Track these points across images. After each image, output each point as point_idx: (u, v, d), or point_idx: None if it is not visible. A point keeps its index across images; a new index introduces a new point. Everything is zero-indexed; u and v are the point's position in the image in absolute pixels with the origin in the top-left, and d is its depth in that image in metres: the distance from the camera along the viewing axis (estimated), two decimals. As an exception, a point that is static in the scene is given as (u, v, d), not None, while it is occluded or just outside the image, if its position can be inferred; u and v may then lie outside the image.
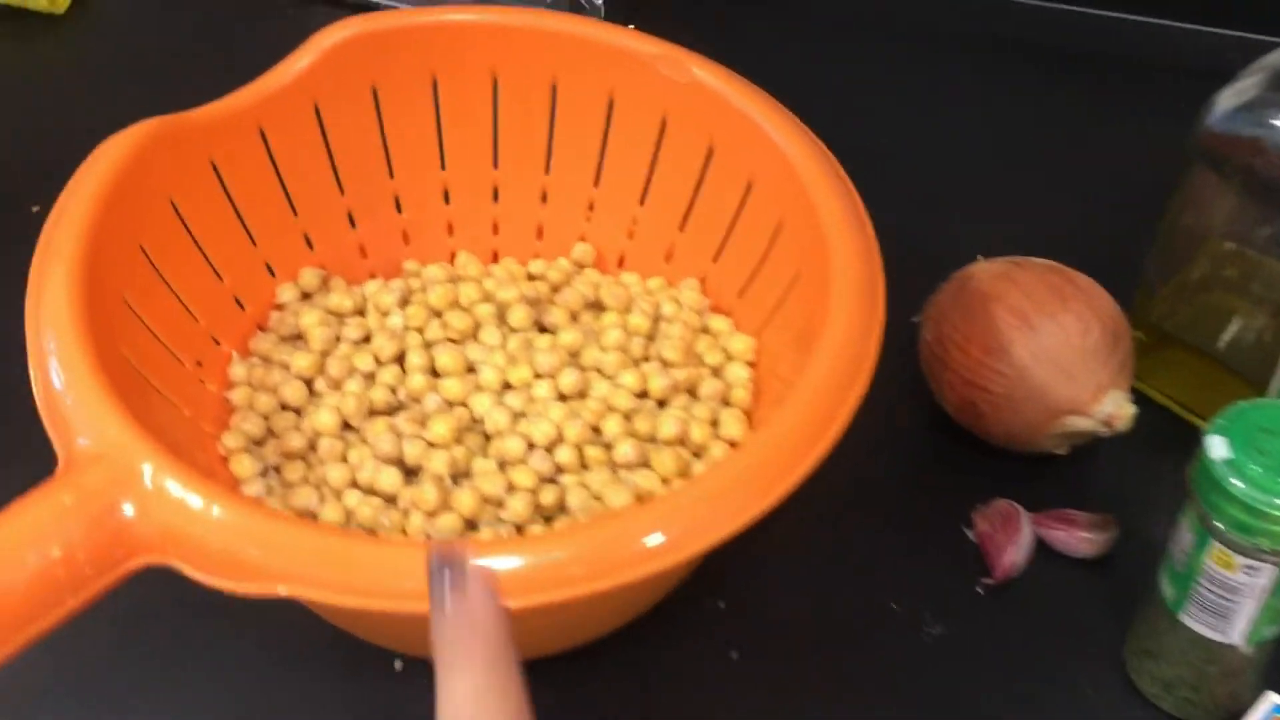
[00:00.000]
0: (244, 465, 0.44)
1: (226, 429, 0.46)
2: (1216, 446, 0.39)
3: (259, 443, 0.46)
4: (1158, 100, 0.69)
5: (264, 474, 0.45)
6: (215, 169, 0.48)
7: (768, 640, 0.47)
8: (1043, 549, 0.50)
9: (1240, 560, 0.39)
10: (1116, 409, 0.49)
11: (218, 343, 0.48)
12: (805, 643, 0.47)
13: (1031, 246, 0.55)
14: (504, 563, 0.31)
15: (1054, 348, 0.49)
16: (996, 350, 0.50)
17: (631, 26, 0.76)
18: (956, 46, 0.75)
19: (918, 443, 0.54)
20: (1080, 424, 0.49)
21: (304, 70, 0.49)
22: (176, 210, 0.46)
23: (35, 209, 0.52)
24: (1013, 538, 0.49)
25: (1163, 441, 0.52)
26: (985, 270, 0.53)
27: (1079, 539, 0.50)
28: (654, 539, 0.34)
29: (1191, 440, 0.51)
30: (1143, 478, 0.53)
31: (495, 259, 0.55)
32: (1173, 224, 0.51)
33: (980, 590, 0.49)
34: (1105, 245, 0.61)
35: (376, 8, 0.74)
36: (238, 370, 0.47)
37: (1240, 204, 0.48)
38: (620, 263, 0.54)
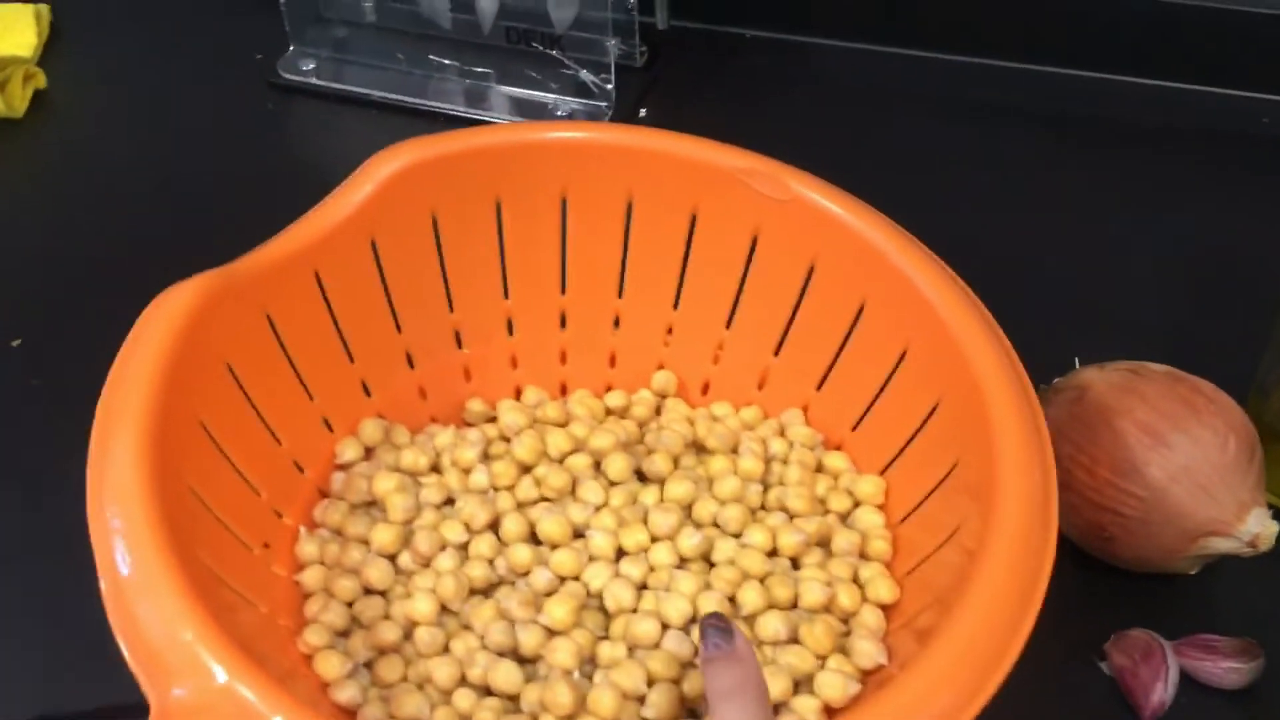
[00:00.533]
0: (331, 665, 0.38)
1: (303, 621, 0.40)
2: None
3: (343, 634, 0.40)
4: (1256, 179, 0.67)
5: (353, 673, 0.39)
6: (270, 322, 0.42)
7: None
8: (1185, 681, 0.46)
9: None
10: (1261, 528, 0.45)
11: (280, 516, 0.42)
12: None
13: (1131, 347, 0.52)
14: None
15: (1191, 465, 0.46)
16: (1128, 471, 0.46)
17: (643, 112, 0.73)
18: (1020, 119, 0.72)
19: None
20: (1222, 545, 0.46)
21: (361, 203, 0.44)
22: (233, 373, 0.40)
23: (15, 343, 0.45)
24: (1158, 673, 0.45)
25: (1287, 550, 0.49)
26: (1102, 380, 0.49)
27: (1225, 669, 0.46)
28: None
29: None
30: (1273, 591, 0.50)
31: (564, 391, 0.50)
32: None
33: (1128, 734, 0.45)
34: (1198, 342, 0.58)
35: (359, 100, 0.70)
36: (308, 548, 0.42)
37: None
38: (704, 390, 0.50)
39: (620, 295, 0.49)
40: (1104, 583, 0.49)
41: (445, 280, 0.47)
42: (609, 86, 0.71)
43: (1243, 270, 0.63)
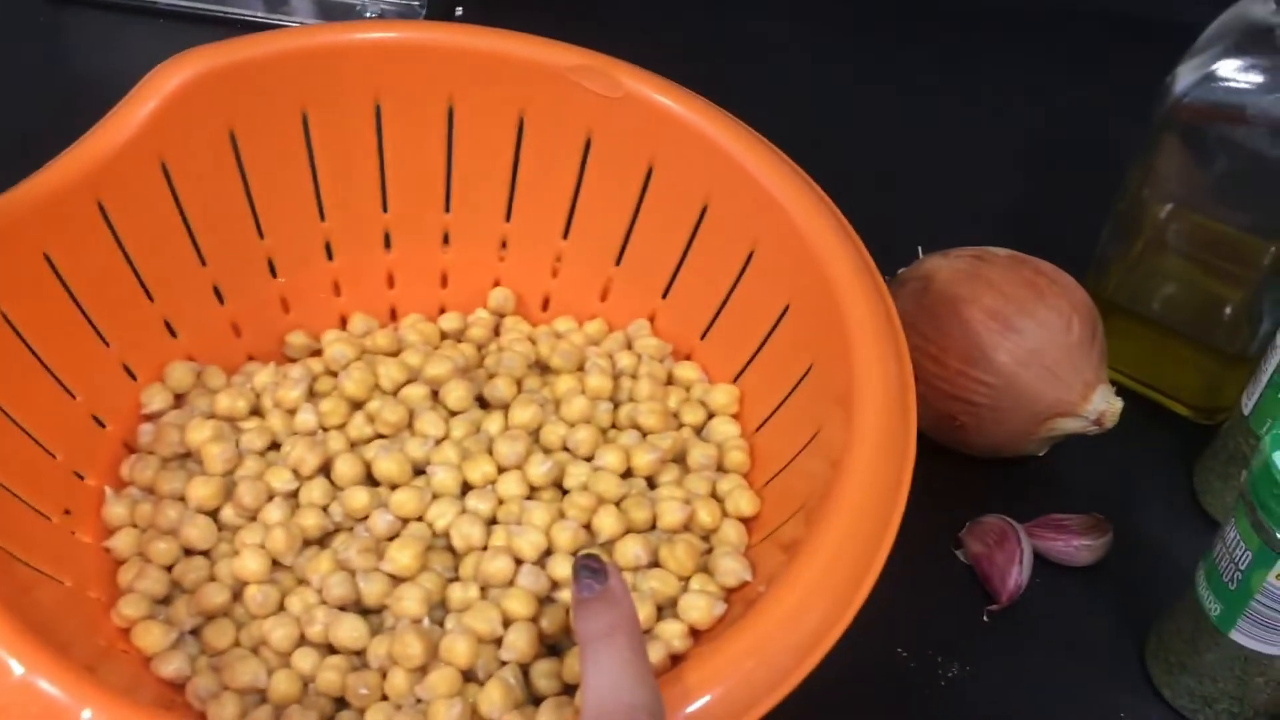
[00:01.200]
0: (152, 637, 0.35)
1: (117, 592, 0.36)
2: (1282, 458, 0.35)
3: (164, 601, 0.36)
4: (1085, 60, 0.67)
5: (178, 643, 0.35)
6: (49, 261, 0.37)
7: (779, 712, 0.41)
8: (1039, 561, 0.46)
9: (1306, 578, 0.36)
10: (1106, 405, 0.45)
11: (81, 477, 0.38)
12: (816, 704, 0.42)
13: (972, 234, 0.51)
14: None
15: (1039, 348, 0.45)
16: (978, 359, 0.45)
17: (459, 11, 0.68)
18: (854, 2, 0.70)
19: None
20: (1070, 425, 0.46)
21: (145, 120, 0.39)
22: (8, 321, 0.36)
23: None
24: (1013, 556, 0.45)
25: (1127, 422, 0.49)
26: (947, 268, 0.48)
27: (1077, 547, 0.46)
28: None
29: (1155, 417, 0.48)
30: (1117, 466, 0.50)
31: (394, 317, 0.47)
32: (1134, 196, 0.48)
33: (986, 618, 0.45)
34: (1036, 223, 0.58)
35: (143, 9, 0.63)
36: (116, 510, 0.38)
37: (1207, 173, 0.45)
38: (545, 306, 0.47)
39: (448, 209, 0.46)
40: (956, 471, 0.49)
41: (251, 203, 0.43)
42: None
43: (1078, 150, 0.63)
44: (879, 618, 0.44)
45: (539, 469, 0.38)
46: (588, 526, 0.37)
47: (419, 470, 0.39)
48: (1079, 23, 0.70)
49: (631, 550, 0.36)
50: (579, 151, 0.44)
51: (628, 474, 0.39)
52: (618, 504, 0.38)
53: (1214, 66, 0.43)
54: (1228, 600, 0.39)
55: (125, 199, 0.39)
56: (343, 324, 0.46)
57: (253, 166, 0.42)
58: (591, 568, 0.29)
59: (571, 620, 0.29)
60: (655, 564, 0.37)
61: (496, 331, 0.46)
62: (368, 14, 0.67)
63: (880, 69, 0.67)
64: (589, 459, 0.39)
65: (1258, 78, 0.42)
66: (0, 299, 0.35)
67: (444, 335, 0.45)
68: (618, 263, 0.45)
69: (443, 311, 0.46)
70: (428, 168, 0.45)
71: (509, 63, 0.43)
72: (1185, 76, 0.44)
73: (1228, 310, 0.48)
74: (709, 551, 0.38)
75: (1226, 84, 0.43)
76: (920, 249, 0.51)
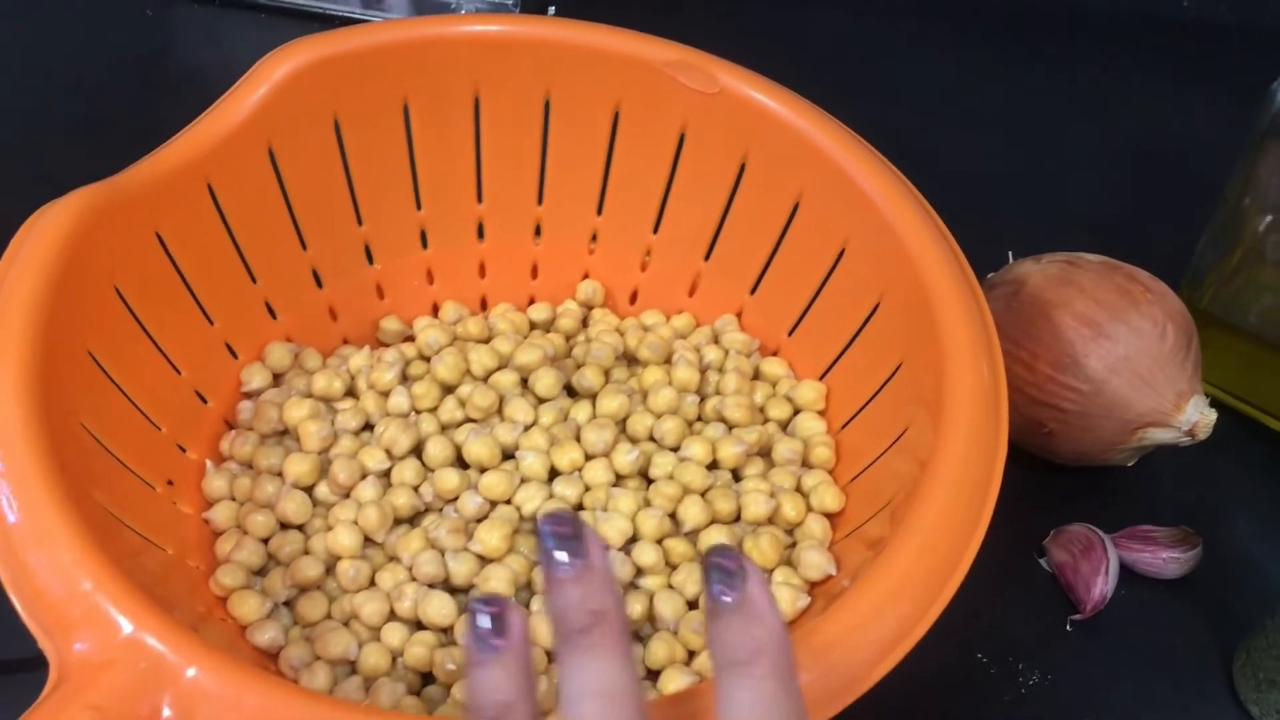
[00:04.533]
0: (248, 606, 0.36)
1: (215, 562, 0.37)
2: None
3: (259, 573, 0.37)
4: (1188, 67, 0.66)
5: (273, 613, 0.36)
6: (161, 240, 0.39)
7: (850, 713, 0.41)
8: (1125, 572, 0.46)
9: None
10: (1200, 416, 0.44)
11: (184, 450, 0.39)
12: (894, 712, 0.42)
13: (1065, 240, 0.51)
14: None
15: (1131, 356, 0.45)
16: (1067, 364, 0.45)
17: (551, 10, 0.69)
18: (954, 9, 0.69)
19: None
20: (1162, 435, 0.45)
21: (255, 107, 0.40)
22: (122, 297, 0.37)
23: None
24: (1098, 567, 0.44)
25: (1220, 436, 0.48)
26: (1038, 273, 0.48)
27: (1165, 559, 0.45)
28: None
29: (1250, 432, 0.48)
30: (1210, 480, 0.49)
31: (484, 306, 0.48)
32: (1233, 206, 0.47)
33: (1069, 627, 0.44)
34: (1133, 230, 0.57)
35: (245, 4, 0.65)
36: (216, 483, 0.39)
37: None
38: (633, 300, 0.47)
39: (540, 202, 0.46)
40: (1042, 478, 0.48)
41: (352, 190, 0.44)
42: (514, -3, 0.68)
43: (1174, 159, 0.62)
44: (960, 621, 0.44)
45: (626, 457, 0.39)
46: (673, 516, 0.38)
47: (508, 455, 0.40)
48: (1183, 30, 0.69)
49: (717, 541, 0.37)
50: (672, 147, 0.44)
51: (713, 466, 0.40)
52: (703, 494, 0.38)
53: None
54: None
55: (233, 182, 0.40)
56: (434, 311, 0.47)
57: (355, 154, 0.43)
58: (726, 568, 0.23)
59: (705, 635, 0.24)
60: (739, 555, 0.37)
61: (585, 324, 0.46)
62: (463, 10, 0.68)
63: (982, 71, 0.67)
64: (675, 449, 0.40)
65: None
66: (114, 273, 0.37)
67: (533, 325, 0.46)
68: (707, 258, 0.46)
69: (532, 302, 0.47)
70: (523, 160, 0.45)
71: (605, 57, 0.43)
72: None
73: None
74: (793, 545, 0.38)
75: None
76: (1010, 254, 0.51)
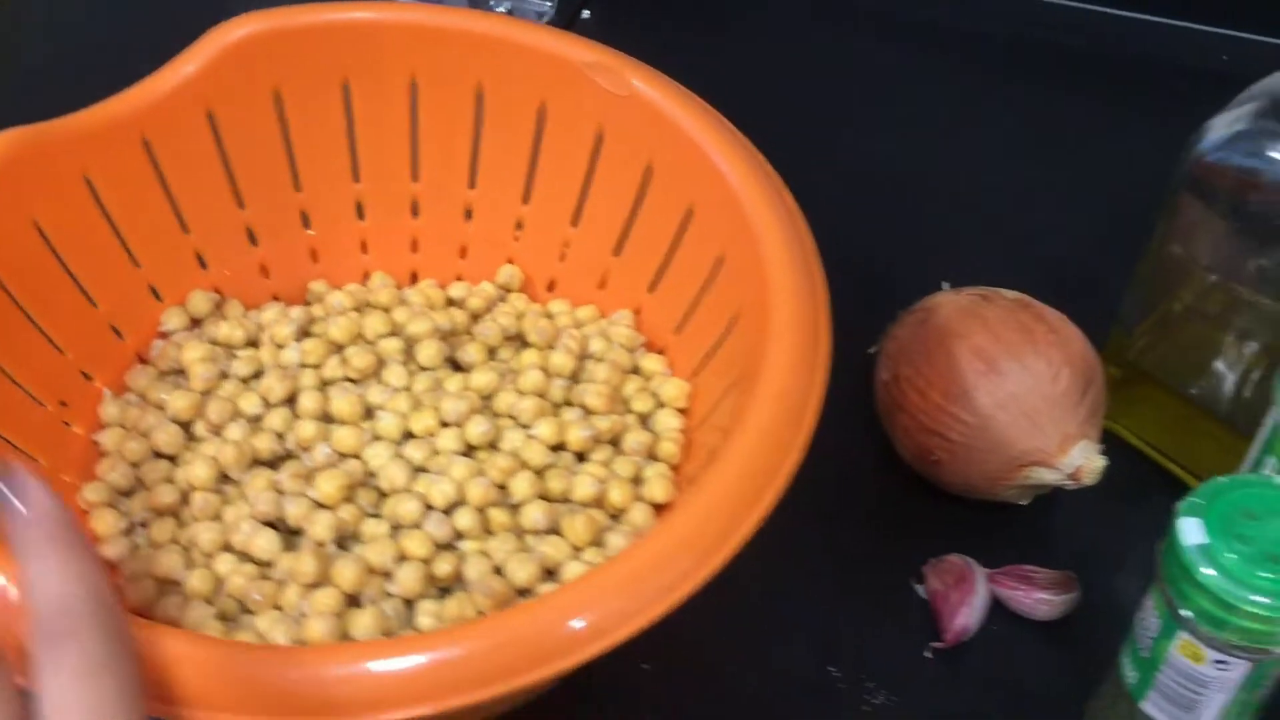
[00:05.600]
0: (105, 521, 0.39)
1: (91, 479, 0.41)
2: (1189, 530, 0.34)
3: (126, 494, 0.40)
4: (1155, 109, 0.64)
5: (129, 531, 0.39)
6: (90, 184, 0.42)
7: (694, 706, 0.42)
8: (999, 609, 0.46)
9: (1210, 654, 0.35)
10: (1085, 461, 0.44)
11: (89, 378, 0.43)
12: (734, 711, 0.43)
13: (1003, 273, 0.51)
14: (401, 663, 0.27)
15: (1020, 394, 0.45)
16: (958, 395, 0.45)
17: (585, 14, 0.72)
18: (937, 45, 0.70)
19: (868, 488, 0.50)
20: (1044, 476, 0.45)
21: (195, 73, 0.44)
22: (40, 231, 0.41)
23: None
24: (965, 598, 0.44)
25: (1133, 488, 0.48)
26: (950, 303, 0.48)
27: (1036, 600, 0.45)
28: (572, 626, 0.29)
29: (1165, 487, 0.46)
30: (1110, 529, 0.49)
31: (414, 280, 0.50)
32: (1158, 254, 0.46)
33: (929, 654, 0.44)
34: (1083, 271, 0.57)
35: None
36: (110, 410, 0.42)
37: (1229, 237, 0.44)
38: (550, 288, 0.49)
39: (472, 186, 0.49)
40: (936, 507, 0.48)
41: (291, 158, 0.47)
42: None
43: (1141, 203, 0.61)
44: (821, 634, 0.45)
45: (476, 429, 0.41)
46: (503, 487, 0.39)
47: (372, 414, 0.42)
48: (1165, 73, 0.67)
49: (532, 515, 0.38)
50: (591, 144, 0.46)
51: (562, 448, 0.41)
52: (540, 473, 0.40)
53: (1239, 129, 0.42)
54: (1142, 669, 0.38)
55: (170, 139, 0.44)
56: (365, 280, 0.50)
57: (296, 125, 0.47)
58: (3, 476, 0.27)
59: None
60: (555, 531, 0.39)
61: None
62: (499, 10, 0.71)
63: (960, 101, 0.66)
64: (529, 428, 0.41)
65: (1275, 146, 0.41)
66: (34, 210, 0.41)
67: (450, 302, 0.48)
68: (616, 254, 0.47)
69: (459, 280, 0.50)
70: (456, 145, 0.48)
71: (531, 54, 0.45)
72: (1211, 135, 0.43)
73: (1248, 385, 0.46)
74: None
75: (1247, 147, 0.42)
76: (945, 284, 0.51)
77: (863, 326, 0.50)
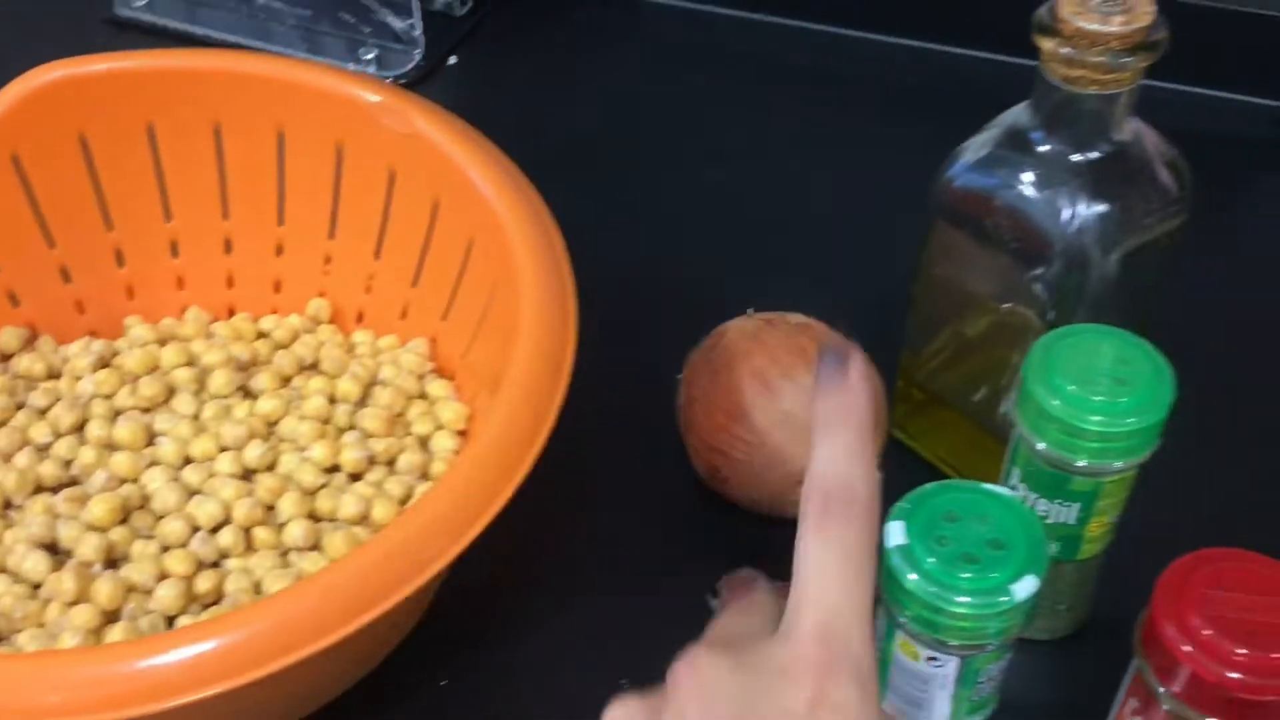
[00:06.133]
0: (-107, 546, 0.41)
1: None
2: (892, 533, 0.36)
3: (-82, 519, 0.42)
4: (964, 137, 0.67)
5: (-84, 554, 0.41)
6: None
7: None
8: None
9: (924, 651, 0.37)
10: (861, 476, 0.46)
11: (-105, 411, 0.45)
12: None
13: (814, 299, 0.53)
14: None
15: (794, 412, 0.46)
16: (738, 415, 0.47)
17: (453, 59, 0.74)
18: (757, 77, 0.72)
19: (670, 508, 0.51)
20: (823, 492, 0.47)
21: (-2, 117, 0.46)
22: None
23: None
24: (752, 610, 0.46)
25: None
26: (738, 329, 0.50)
27: None
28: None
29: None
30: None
31: (231, 313, 0.52)
32: (925, 277, 0.48)
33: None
34: (890, 297, 0.59)
35: (197, 39, 0.72)
36: (-89, 442, 0.44)
37: (979, 257, 0.46)
38: (360, 319, 0.51)
39: (281, 223, 0.51)
40: (734, 525, 0.50)
41: (101, 199, 0.49)
42: (416, 33, 0.73)
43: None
44: (618, 645, 0.46)
45: (252, 453, 0.43)
46: (272, 507, 0.41)
47: (156, 441, 0.44)
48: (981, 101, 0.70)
49: (294, 532, 0.40)
50: (386, 181, 0.48)
51: (338, 469, 0.43)
52: (313, 492, 0.42)
53: (982, 155, 0.44)
54: (880, 669, 0.39)
55: (-27, 183, 0.46)
56: (182, 315, 0.51)
57: (104, 167, 0.49)
58: (835, 352, 0.30)
59: (814, 401, 0.30)
60: (317, 549, 0.41)
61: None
62: (365, 58, 0.73)
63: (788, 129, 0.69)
64: (305, 450, 0.43)
65: (1006, 172, 0.43)
66: None
67: (261, 335, 0.50)
68: (414, 285, 0.49)
69: (274, 313, 0.52)
70: (263, 185, 0.50)
71: (324, 96, 0.48)
72: (958, 161, 0.45)
73: (1003, 400, 0.48)
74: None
75: (986, 172, 0.44)
76: (750, 310, 0.53)
77: (680, 352, 0.52)
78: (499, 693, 0.44)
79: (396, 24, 0.74)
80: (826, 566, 0.27)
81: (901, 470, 0.49)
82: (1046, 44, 0.39)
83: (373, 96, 0.47)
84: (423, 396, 0.47)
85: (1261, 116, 0.69)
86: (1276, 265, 0.61)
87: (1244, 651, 0.31)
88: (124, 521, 0.41)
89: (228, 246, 0.52)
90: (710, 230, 0.62)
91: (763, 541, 0.49)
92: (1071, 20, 0.38)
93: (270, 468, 0.43)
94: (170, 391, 0.45)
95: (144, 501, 0.42)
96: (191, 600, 0.39)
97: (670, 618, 0.47)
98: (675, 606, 0.47)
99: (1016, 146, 0.43)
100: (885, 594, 0.37)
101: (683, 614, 0.47)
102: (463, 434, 0.45)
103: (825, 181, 0.66)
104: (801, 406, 0.47)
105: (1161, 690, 0.34)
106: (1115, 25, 0.38)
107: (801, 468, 0.46)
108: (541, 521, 0.48)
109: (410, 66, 0.72)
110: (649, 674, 0.45)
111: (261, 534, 0.40)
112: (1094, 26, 0.38)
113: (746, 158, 0.67)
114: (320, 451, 0.43)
